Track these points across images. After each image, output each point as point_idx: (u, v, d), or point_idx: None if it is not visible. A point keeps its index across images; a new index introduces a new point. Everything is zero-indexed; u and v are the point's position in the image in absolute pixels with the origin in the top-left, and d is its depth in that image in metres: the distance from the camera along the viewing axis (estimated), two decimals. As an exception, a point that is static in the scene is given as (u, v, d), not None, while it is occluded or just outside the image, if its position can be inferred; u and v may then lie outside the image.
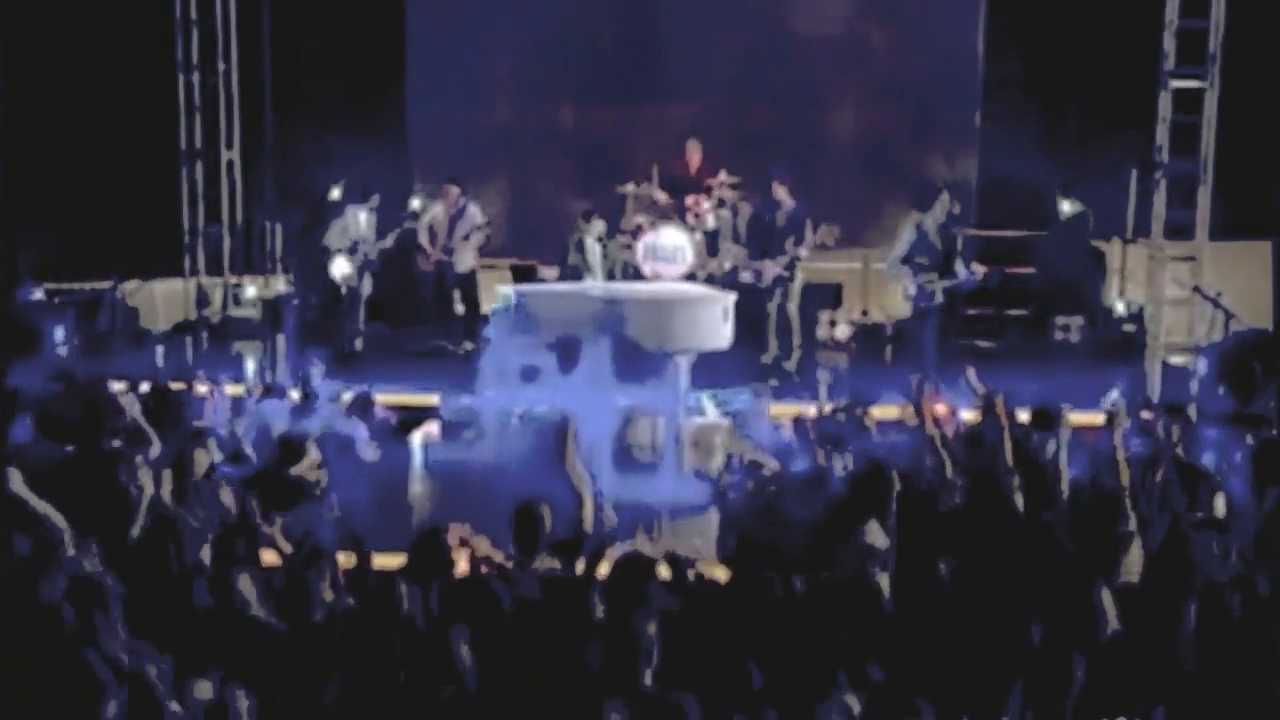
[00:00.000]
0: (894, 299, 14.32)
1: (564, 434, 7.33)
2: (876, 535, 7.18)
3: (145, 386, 10.69)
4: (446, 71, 16.39)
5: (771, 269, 13.40)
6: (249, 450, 9.61)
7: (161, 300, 15.57)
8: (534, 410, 11.10)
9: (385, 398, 11.42)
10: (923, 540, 7.30)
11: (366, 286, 14.52)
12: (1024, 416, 9.32)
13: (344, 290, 14.32)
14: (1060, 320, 14.60)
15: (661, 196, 14.54)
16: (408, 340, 14.77)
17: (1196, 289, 13.35)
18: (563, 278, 14.15)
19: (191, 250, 15.42)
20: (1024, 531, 7.36)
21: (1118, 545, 6.98)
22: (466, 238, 14.69)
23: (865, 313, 15.17)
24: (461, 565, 6.95)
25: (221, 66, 15.41)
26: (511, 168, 16.39)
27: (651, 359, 11.11)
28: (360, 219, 14.38)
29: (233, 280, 15.55)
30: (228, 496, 8.14)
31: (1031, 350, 14.22)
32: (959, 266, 13.00)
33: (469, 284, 14.72)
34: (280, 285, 15.55)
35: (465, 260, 14.75)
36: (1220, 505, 7.66)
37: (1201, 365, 12.44)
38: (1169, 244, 13.80)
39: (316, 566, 6.75)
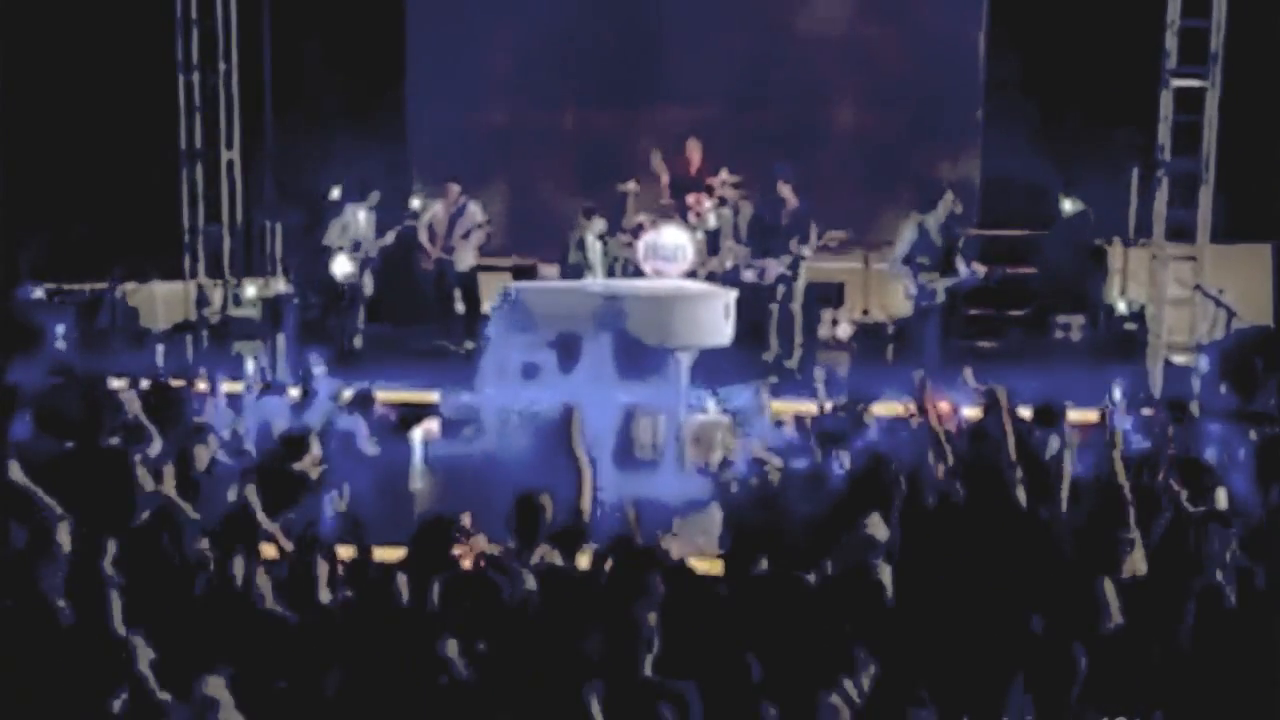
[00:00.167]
0: (896, 298, 14.32)
1: (569, 419, 7.34)
2: (878, 528, 7.15)
3: (145, 384, 10.69)
4: (447, 72, 16.38)
5: (775, 268, 13.37)
6: (249, 447, 9.61)
7: (161, 301, 15.54)
8: (534, 407, 11.06)
9: (385, 395, 11.41)
10: (925, 534, 7.28)
11: (367, 285, 14.50)
12: (1026, 414, 9.33)
13: (345, 289, 14.30)
14: (1061, 319, 14.57)
15: (664, 179, 14.48)
16: (408, 339, 14.75)
17: (1198, 287, 13.33)
18: (563, 276, 14.13)
19: (191, 250, 15.40)
20: (1025, 525, 7.32)
21: (1119, 539, 6.93)
22: (466, 236, 14.69)
23: (867, 312, 15.15)
24: (462, 559, 6.94)
25: (222, 66, 15.41)
26: (512, 168, 16.38)
27: (652, 355, 11.09)
28: (360, 217, 14.36)
29: (232, 281, 15.53)
30: (228, 489, 8.11)
31: (1032, 350, 14.20)
32: (960, 265, 12.98)
33: (469, 283, 14.71)
34: (280, 285, 15.53)
35: (465, 259, 14.74)
36: (1222, 498, 7.62)
37: (1203, 363, 12.43)
38: (1170, 245, 13.81)
39: (317, 557, 6.75)
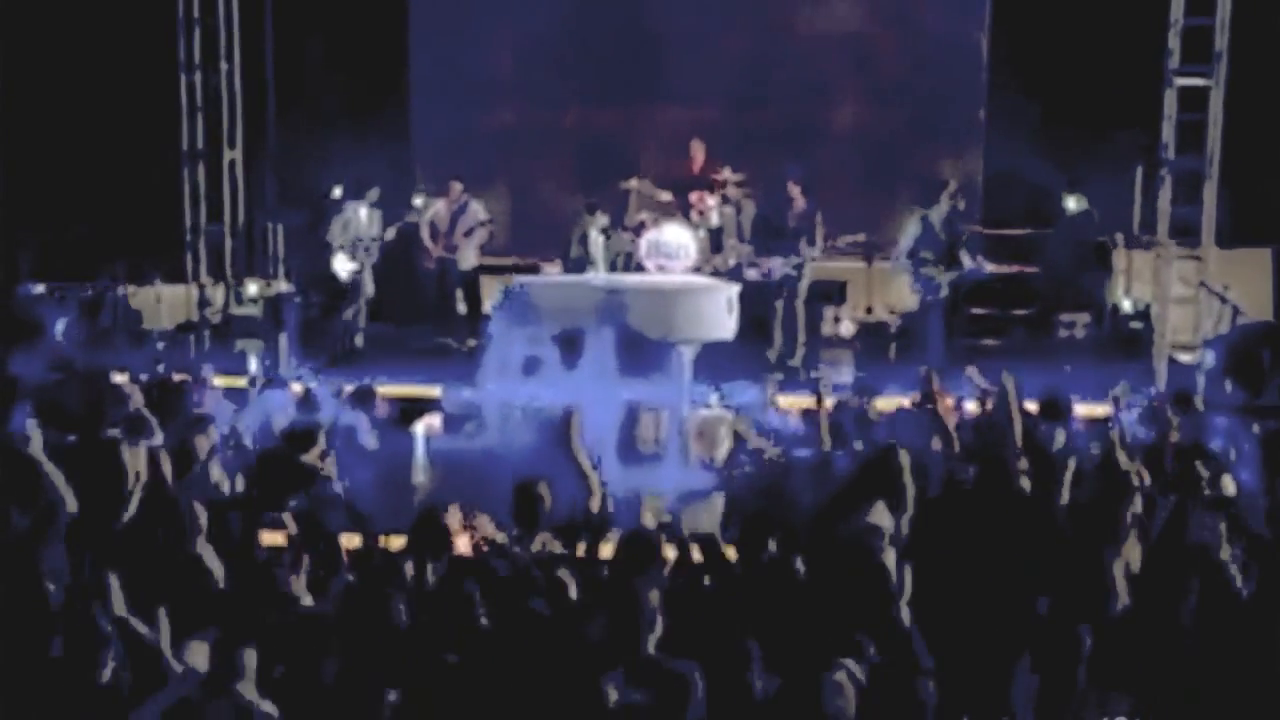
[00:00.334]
0: (900, 295, 14.28)
1: (568, 422, 7.33)
2: (881, 516, 7.11)
3: (146, 378, 10.68)
4: (449, 72, 16.38)
5: (781, 267, 13.34)
6: (248, 441, 9.58)
7: (163, 302, 15.49)
8: (536, 403, 11.01)
9: (387, 390, 11.37)
10: (930, 520, 7.25)
11: (368, 284, 14.46)
12: (1031, 408, 9.30)
13: (346, 287, 14.27)
14: (1065, 318, 14.53)
15: (664, 196, 14.49)
16: (410, 338, 14.71)
17: (1203, 284, 13.30)
18: (566, 271, 14.09)
19: (193, 250, 15.38)
20: (1030, 511, 7.30)
21: (1122, 525, 6.90)
22: (469, 234, 14.66)
23: (870, 310, 15.10)
24: (462, 545, 6.91)
25: (224, 66, 15.39)
26: (514, 168, 16.35)
27: (655, 349, 11.05)
28: (360, 215, 14.33)
29: (234, 282, 15.51)
30: (227, 479, 8.09)
31: (1037, 348, 14.15)
32: (964, 258, 12.95)
33: (471, 281, 14.67)
34: (282, 286, 15.51)
35: (468, 258, 14.72)
36: (1227, 486, 7.58)
37: (1209, 357, 12.39)
38: (1174, 247, 13.78)
39: (320, 545, 6.73)
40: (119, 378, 10.73)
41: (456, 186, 14.73)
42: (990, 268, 13.90)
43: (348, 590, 6.36)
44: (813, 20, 16.24)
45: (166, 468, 7.69)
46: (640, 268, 13.95)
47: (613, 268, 13.93)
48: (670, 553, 6.70)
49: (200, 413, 9.54)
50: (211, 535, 6.89)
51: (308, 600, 6.31)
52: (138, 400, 9.51)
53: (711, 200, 14.36)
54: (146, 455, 7.69)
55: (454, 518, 6.89)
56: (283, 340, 13.82)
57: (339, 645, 5.75)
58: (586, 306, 11.21)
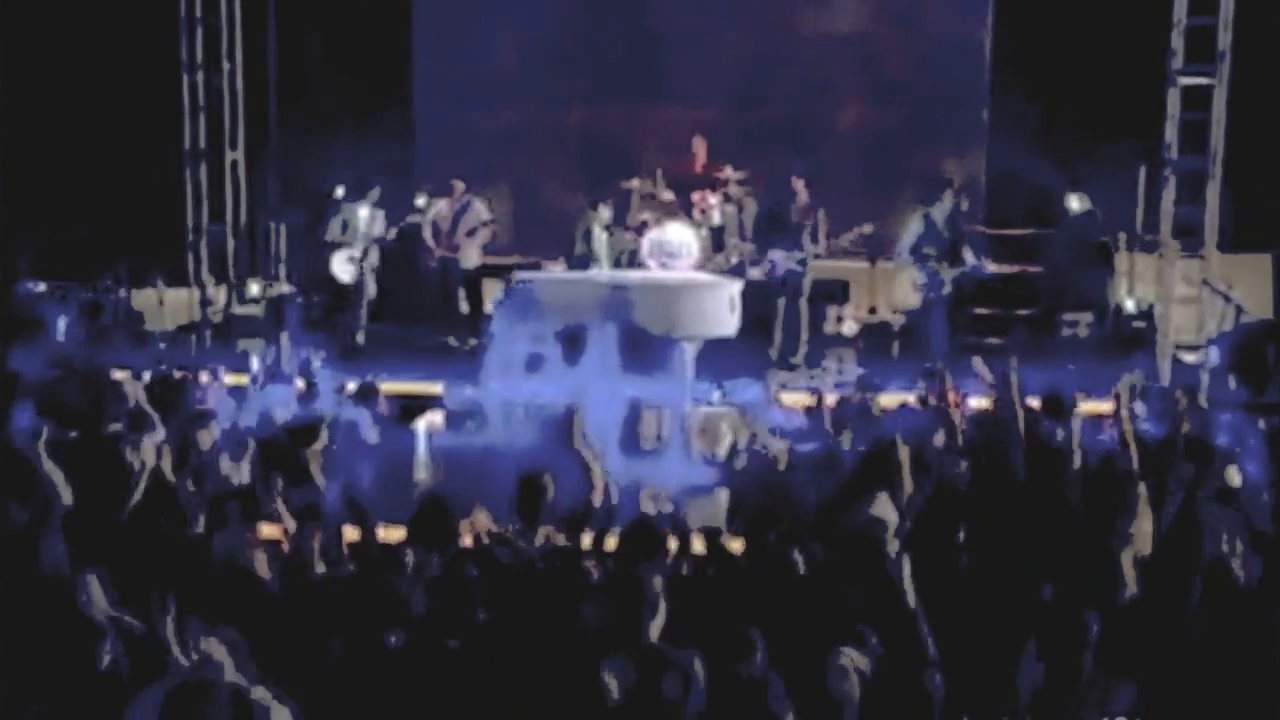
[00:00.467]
0: (903, 293, 14.24)
1: (570, 419, 7.32)
2: (885, 507, 7.08)
3: (148, 375, 10.65)
4: (451, 71, 16.37)
5: (784, 262, 13.31)
6: (249, 436, 9.54)
7: (166, 304, 15.47)
8: (538, 400, 10.98)
9: (389, 387, 11.34)
10: (935, 511, 7.23)
11: (369, 284, 14.44)
12: (1035, 405, 9.28)
13: (347, 287, 14.26)
14: (1068, 317, 14.49)
15: (668, 195, 14.46)
16: (412, 337, 14.67)
17: (1205, 282, 13.28)
18: (570, 268, 14.05)
19: (195, 251, 15.36)
20: (1033, 502, 7.28)
21: (1128, 515, 6.87)
22: (471, 234, 14.64)
23: (874, 310, 15.08)
24: (465, 537, 6.89)
25: (226, 66, 15.39)
26: (517, 169, 16.33)
27: (658, 345, 11.02)
28: (361, 214, 14.31)
29: (235, 282, 15.50)
30: (229, 469, 8.07)
31: (1040, 347, 14.10)
32: (967, 255, 12.92)
33: (474, 281, 14.64)
34: (284, 286, 15.49)
35: (470, 257, 14.69)
36: (1233, 478, 7.55)
37: (1213, 354, 12.36)
38: (1177, 249, 13.75)
39: (321, 534, 6.71)
40: (119, 374, 10.70)
41: (459, 186, 14.70)
42: (993, 267, 13.85)
43: (349, 579, 6.33)
44: (815, 20, 16.22)
45: (169, 462, 7.69)
46: (643, 267, 13.92)
47: (616, 265, 13.90)
48: (673, 543, 6.67)
49: (202, 408, 9.53)
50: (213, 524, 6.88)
51: (309, 585, 6.28)
52: (138, 396, 9.49)
53: (714, 199, 14.33)
54: (151, 448, 7.70)
55: (456, 508, 6.87)
56: (284, 340, 13.78)
57: (342, 631, 5.73)
58: (589, 303, 11.20)
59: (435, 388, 11.99)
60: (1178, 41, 13.79)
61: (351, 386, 10.89)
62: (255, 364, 12.80)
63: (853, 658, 5.27)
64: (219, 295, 15.33)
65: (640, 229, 14.06)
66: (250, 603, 6.11)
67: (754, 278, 13.35)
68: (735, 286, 11.58)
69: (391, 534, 7.12)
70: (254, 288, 15.30)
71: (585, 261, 13.76)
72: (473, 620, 5.90)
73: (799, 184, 13.37)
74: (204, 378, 10.96)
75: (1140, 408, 9.45)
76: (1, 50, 14.93)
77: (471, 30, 16.38)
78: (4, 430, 8.96)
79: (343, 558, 6.77)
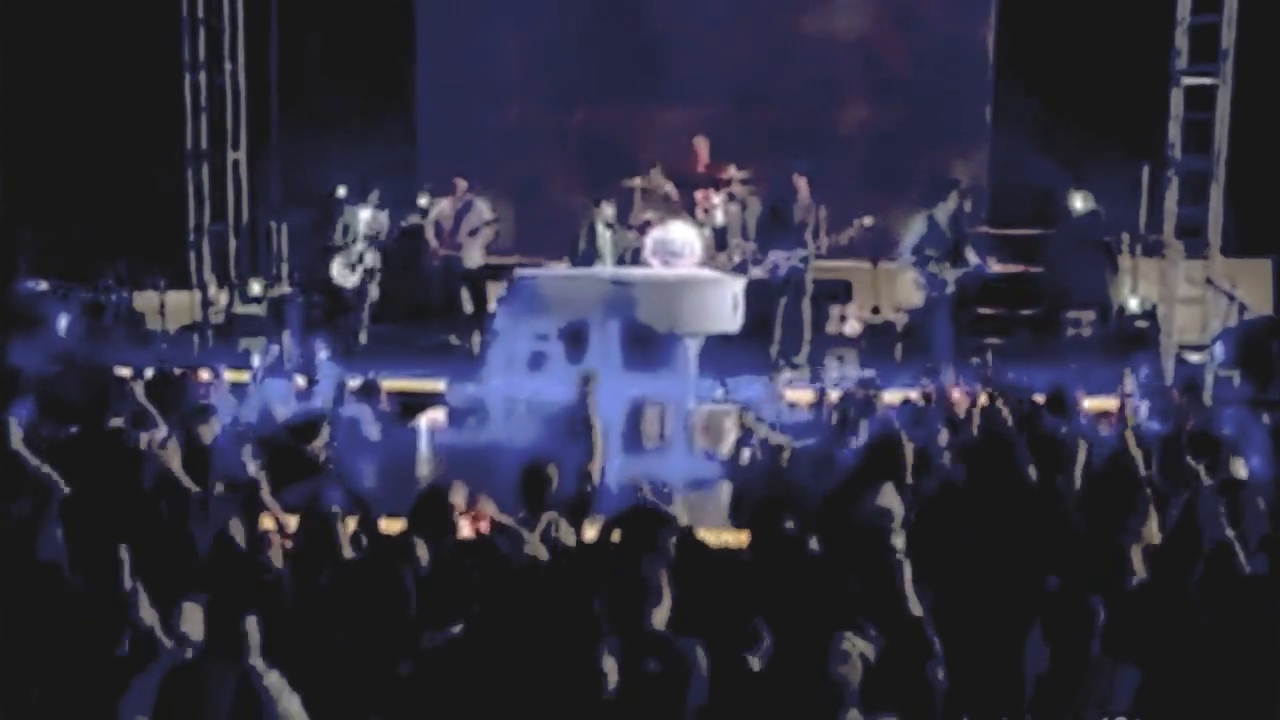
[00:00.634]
0: (906, 293, 14.20)
1: (587, 384, 7.31)
2: (890, 498, 7.05)
3: (149, 372, 10.63)
4: (455, 71, 16.36)
5: (786, 260, 13.28)
6: (249, 431, 9.52)
7: (168, 306, 15.44)
8: (540, 397, 10.96)
9: (391, 384, 11.32)
10: (939, 504, 7.21)
11: (371, 285, 14.42)
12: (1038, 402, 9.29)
13: (349, 287, 14.24)
14: (1072, 315, 14.46)
15: (670, 189, 14.42)
16: (414, 337, 14.64)
17: (1209, 281, 13.26)
18: (573, 265, 14.01)
19: (197, 251, 15.34)
20: (1039, 497, 7.25)
21: (1135, 508, 6.85)
22: (474, 233, 14.61)
23: (877, 310, 15.05)
24: (465, 527, 6.87)
25: (228, 66, 15.40)
26: (520, 169, 16.29)
27: (661, 341, 11.00)
28: (362, 216, 14.29)
29: (237, 283, 15.49)
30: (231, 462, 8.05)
31: (1044, 347, 14.09)
32: (970, 255, 12.90)
33: (476, 280, 14.61)
34: (285, 286, 15.47)
35: (473, 256, 14.65)
36: (1239, 470, 7.52)
37: (1218, 350, 12.33)
38: (1181, 249, 13.73)
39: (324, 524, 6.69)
40: (120, 371, 10.68)
41: (461, 185, 14.68)
42: (996, 267, 13.82)
43: (351, 566, 6.31)
44: (818, 20, 16.21)
45: (174, 453, 7.68)
46: (646, 265, 13.88)
47: (620, 262, 13.86)
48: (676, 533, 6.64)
49: (203, 403, 9.50)
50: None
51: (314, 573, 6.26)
52: (139, 392, 9.46)
53: (716, 198, 14.30)
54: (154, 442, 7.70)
55: (458, 499, 6.84)
56: (286, 339, 13.76)
57: (344, 617, 5.71)
58: (592, 299, 11.18)
59: (437, 385, 11.96)
60: (1181, 40, 13.78)
61: (354, 384, 10.88)
62: (256, 362, 12.79)
63: (855, 643, 5.23)
64: (220, 296, 15.31)
65: (643, 228, 14.03)
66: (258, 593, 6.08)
67: (757, 276, 13.32)
68: (738, 283, 11.56)
69: (393, 526, 7.11)
70: (255, 287, 15.28)
71: (589, 258, 13.73)
72: (472, 608, 5.87)
73: (801, 182, 13.34)
74: (204, 375, 10.94)
75: (1144, 406, 9.43)
76: (4, 50, 14.91)
77: (474, 30, 16.38)
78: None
79: (343, 547, 6.73)
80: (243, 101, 15.52)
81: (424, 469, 10.65)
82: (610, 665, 5.29)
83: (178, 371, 10.92)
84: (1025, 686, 5.54)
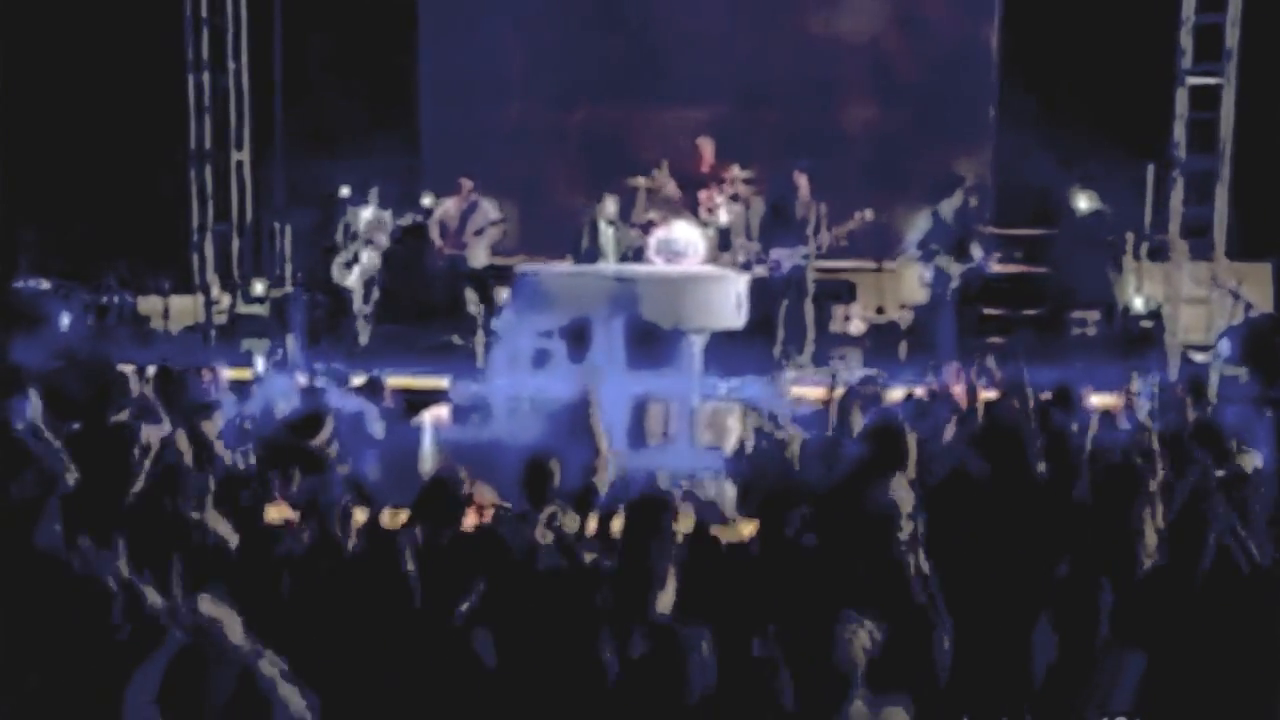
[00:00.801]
0: (910, 289, 14.19)
1: (586, 401, 7.29)
2: (900, 489, 7.02)
3: (152, 369, 10.60)
4: (458, 71, 16.33)
5: (789, 257, 13.26)
6: (253, 426, 9.51)
7: (171, 310, 15.43)
8: (544, 394, 10.92)
9: (395, 381, 11.29)
10: (947, 497, 7.18)
11: (372, 285, 14.41)
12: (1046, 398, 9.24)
13: (350, 288, 14.23)
14: (1076, 315, 14.44)
15: (673, 189, 14.40)
16: (419, 337, 14.62)
17: (1214, 278, 13.25)
18: (576, 263, 14.00)
19: (199, 251, 15.33)
20: (1047, 489, 7.22)
21: (1142, 500, 6.81)
22: (479, 233, 14.59)
23: (881, 310, 15.03)
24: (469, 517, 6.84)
25: (231, 66, 15.41)
26: (523, 169, 16.27)
27: (665, 338, 10.97)
28: (363, 216, 14.28)
29: (240, 283, 15.47)
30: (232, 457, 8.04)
31: (1049, 346, 14.06)
32: (975, 251, 12.87)
33: (481, 280, 14.60)
34: (289, 286, 15.46)
35: (478, 256, 14.63)
36: (1249, 462, 7.50)
37: (1224, 347, 12.31)
38: (1186, 249, 13.72)
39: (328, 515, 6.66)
40: (124, 368, 10.65)
41: (467, 184, 14.66)
42: (996, 267, 13.78)
43: (355, 553, 6.29)
44: (823, 20, 16.19)
45: (181, 446, 7.65)
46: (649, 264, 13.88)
47: (623, 260, 13.85)
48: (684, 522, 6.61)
49: (206, 399, 9.48)
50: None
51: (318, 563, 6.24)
52: (141, 388, 9.44)
53: (720, 198, 14.28)
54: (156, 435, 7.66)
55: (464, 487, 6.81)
56: (289, 340, 13.75)
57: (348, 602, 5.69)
58: (597, 296, 11.13)
59: (441, 382, 11.94)
60: (1186, 40, 13.79)
61: (357, 381, 10.86)
62: (259, 361, 12.78)
63: (860, 627, 5.19)
64: (223, 297, 15.30)
65: (647, 228, 14.01)
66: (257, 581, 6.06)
67: (760, 275, 13.30)
68: (742, 280, 11.54)
69: (397, 517, 7.09)
70: (258, 288, 15.27)
71: (592, 256, 13.72)
72: (473, 597, 5.84)
73: (801, 179, 13.33)
74: (206, 374, 10.90)
75: (1150, 401, 9.40)
76: (7, 50, 14.93)
77: (477, 30, 16.35)
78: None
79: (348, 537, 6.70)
80: (246, 102, 15.53)
81: (427, 466, 10.60)
82: (611, 652, 5.26)
83: (179, 368, 10.89)
84: (1034, 675, 5.50)
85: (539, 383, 11.13)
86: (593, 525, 6.95)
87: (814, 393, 10.57)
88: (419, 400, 11.57)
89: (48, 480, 6.74)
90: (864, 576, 6.24)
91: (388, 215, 14.45)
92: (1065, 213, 14.97)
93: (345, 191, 14.62)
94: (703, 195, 14.33)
